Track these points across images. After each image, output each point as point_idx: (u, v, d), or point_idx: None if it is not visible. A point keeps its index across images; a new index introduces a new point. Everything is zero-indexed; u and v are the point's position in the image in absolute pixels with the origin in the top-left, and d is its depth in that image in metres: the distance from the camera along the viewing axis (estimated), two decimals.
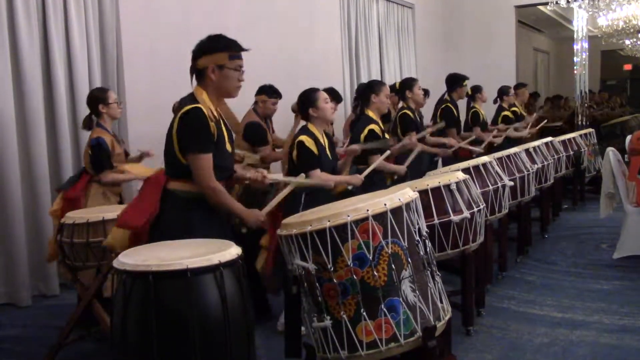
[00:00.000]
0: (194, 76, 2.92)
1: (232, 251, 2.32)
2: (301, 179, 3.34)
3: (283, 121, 6.04)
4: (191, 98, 2.87)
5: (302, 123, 4.03)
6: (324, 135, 3.94)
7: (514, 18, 11.05)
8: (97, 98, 4.44)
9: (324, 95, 3.94)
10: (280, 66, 6.86)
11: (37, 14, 4.81)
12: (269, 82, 5.41)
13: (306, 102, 3.92)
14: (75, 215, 3.68)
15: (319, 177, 3.74)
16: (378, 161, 4.32)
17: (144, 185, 3.08)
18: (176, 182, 2.89)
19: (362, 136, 4.61)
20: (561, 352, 3.49)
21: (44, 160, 4.84)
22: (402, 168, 4.76)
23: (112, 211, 3.68)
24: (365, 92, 4.86)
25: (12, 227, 4.64)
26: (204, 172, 2.79)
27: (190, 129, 2.78)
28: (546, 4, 10.04)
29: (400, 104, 5.81)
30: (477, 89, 7.26)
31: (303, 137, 3.79)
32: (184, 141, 2.80)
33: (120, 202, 4.47)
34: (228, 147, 2.96)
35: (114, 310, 2.28)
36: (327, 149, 3.91)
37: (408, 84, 5.82)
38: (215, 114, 2.89)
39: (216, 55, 2.84)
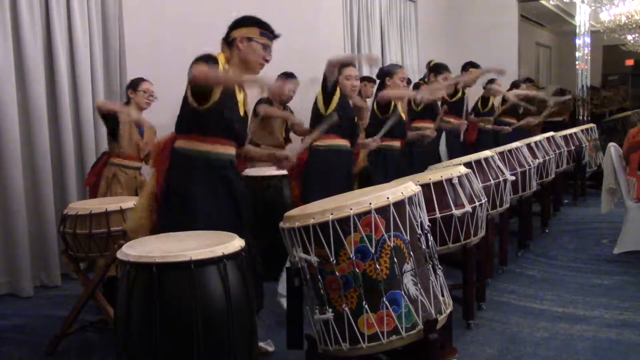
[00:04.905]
0: (225, 47, 3.07)
1: (235, 243, 2.33)
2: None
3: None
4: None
5: None
6: None
7: (516, 12, 11.03)
8: (130, 83, 4.66)
9: (348, 72, 4.22)
10: (282, 59, 6.78)
11: (39, 5, 4.80)
12: (271, 75, 5.42)
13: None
14: (78, 207, 3.70)
15: None
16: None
17: (154, 153, 3.15)
18: (181, 140, 2.99)
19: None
20: (562, 346, 3.50)
21: (46, 150, 4.84)
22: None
23: (116, 202, 3.70)
24: (382, 75, 5.10)
25: (14, 218, 4.65)
26: (197, 68, 2.82)
27: (200, 57, 2.90)
28: None
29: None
30: (490, 81, 7.42)
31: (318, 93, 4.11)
32: (192, 66, 2.87)
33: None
34: (241, 110, 3.06)
35: (118, 301, 2.29)
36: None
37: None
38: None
39: (248, 28, 3.05)
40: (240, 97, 3.07)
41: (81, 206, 3.71)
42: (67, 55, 5.01)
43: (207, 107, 2.90)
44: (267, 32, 3.08)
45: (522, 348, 3.49)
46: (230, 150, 3.05)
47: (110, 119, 4.48)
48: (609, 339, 3.57)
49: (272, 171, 4.76)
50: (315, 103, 4.16)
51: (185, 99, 2.99)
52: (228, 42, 3.06)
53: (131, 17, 5.42)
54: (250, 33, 3.03)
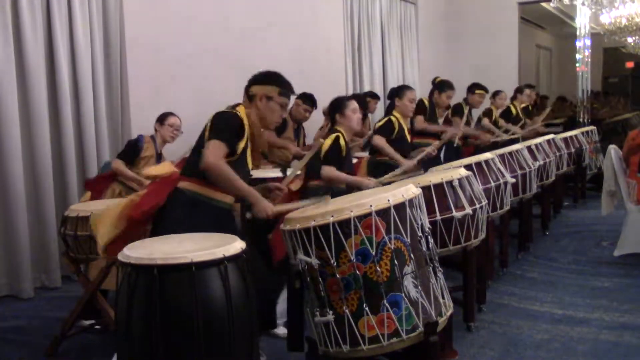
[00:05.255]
0: (245, 98, 3.14)
1: (236, 245, 2.34)
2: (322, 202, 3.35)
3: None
4: (234, 107, 3.08)
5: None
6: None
7: (517, 15, 11.03)
8: (158, 117, 4.85)
9: (354, 105, 4.18)
10: (283, 62, 6.83)
11: (41, 9, 4.81)
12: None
13: (335, 108, 4.21)
14: (79, 208, 3.70)
15: (333, 173, 3.93)
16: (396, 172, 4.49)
17: (155, 182, 3.16)
18: (187, 181, 2.98)
19: (378, 125, 5.06)
20: (562, 348, 3.50)
21: (47, 153, 4.84)
22: (412, 163, 4.80)
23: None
24: (391, 95, 5.27)
25: (15, 219, 4.65)
26: (214, 152, 2.86)
27: (222, 122, 2.96)
28: (549, 0, 10.01)
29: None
30: (496, 93, 7.47)
31: (340, 135, 4.01)
32: (212, 130, 2.92)
33: None
34: (250, 166, 3.13)
35: (119, 303, 2.29)
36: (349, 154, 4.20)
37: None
38: (248, 131, 3.05)
39: (268, 87, 3.08)
40: (249, 154, 3.12)
41: (82, 208, 3.70)
42: (68, 58, 5.02)
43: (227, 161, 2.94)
44: (287, 91, 3.15)
45: (522, 350, 3.49)
46: (231, 200, 3.09)
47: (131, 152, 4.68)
48: (609, 341, 3.57)
49: (274, 173, 4.75)
50: (320, 150, 4.03)
51: (202, 145, 2.97)
52: (248, 95, 3.12)
53: (132, 20, 5.43)
54: (270, 92, 3.08)
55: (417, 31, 10.38)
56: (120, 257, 2.31)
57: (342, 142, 4.00)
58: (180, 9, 5.85)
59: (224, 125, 2.94)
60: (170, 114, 4.88)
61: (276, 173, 4.75)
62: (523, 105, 8.26)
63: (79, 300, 3.64)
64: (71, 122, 5.03)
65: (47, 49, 4.90)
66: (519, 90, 8.11)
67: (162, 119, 4.84)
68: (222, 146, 2.89)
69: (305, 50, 7.44)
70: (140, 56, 5.50)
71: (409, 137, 5.19)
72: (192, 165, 2.99)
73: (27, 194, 4.74)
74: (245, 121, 3.00)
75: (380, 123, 5.07)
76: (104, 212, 3.05)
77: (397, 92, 5.14)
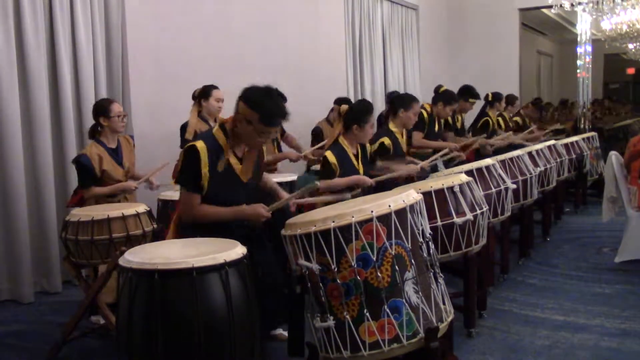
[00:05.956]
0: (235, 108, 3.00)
1: (237, 250, 2.34)
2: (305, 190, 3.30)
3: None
4: (205, 135, 3.05)
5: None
6: (358, 147, 4.11)
7: (517, 21, 11.06)
8: (98, 109, 4.25)
9: (373, 120, 4.15)
10: (284, 67, 6.87)
11: (43, 12, 4.82)
12: (272, 83, 5.42)
13: (402, 102, 4.46)
14: (81, 213, 3.70)
15: (326, 182, 3.83)
16: (395, 174, 4.40)
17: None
18: None
19: (373, 148, 4.60)
20: (562, 355, 3.50)
21: (49, 157, 4.85)
22: (414, 168, 4.67)
23: (117, 209, 3.69)
24: (396, 103, 4.89)
25: (16, 224, 4.65)
26: (184, 205, 2.98)
27: (183, 166, 2.97)
28: (550, 7, 10.02)
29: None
30: (497, 97, 7.29)
31: (328, 153, 3.95)
32: (179, 174, 3.00)
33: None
34: (244, 178, 3.05)
35: (120, 308, 2.29)
36: (357, 160, 4.07)
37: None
38: (233, 154, 3.00)
39: (251, 111, 2.88)
40: (238, 168, 3.02)
41: (83, 213, 3.71)
42: (70, 63, 5.03)
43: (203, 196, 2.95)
44: (268, 122, 2.91)
45: (523, 357, 3.49)
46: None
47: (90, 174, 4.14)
48: (610, 348, 3.57)
49: (282, 178, 4.72)
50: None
51: None
52: (236, 105, 2.97)
53: (134, 26, 5.45)
54: (250, 116, 2.87)
55: (418, 36, 10.40)
56: (121, 262, 2.31)
57: (330, 159, 3.90)
58: (181, 11, 5.87)
59: (185, 169, 2.94)
60: (110, 101, 4.32)
61: (284, 178, 4.71)
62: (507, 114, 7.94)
63: (80, 305, 3.64)
64: (73, 128, 5.03)
65: (49, 52, 4.91)
66: (510, 100, 7.92)
67: (104, 111, 4.19)
68: (189, 195, 2.93)
69: (306, 55, 7.46)
70: (141, 59, 5.51)
71: (404, 147, 4.95)
72: None
73: (28, 198, 4.74)
74: (204, 153, 2.87)
75: (375, 147, 4.66)
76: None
77: (403, 103, 4.81)
